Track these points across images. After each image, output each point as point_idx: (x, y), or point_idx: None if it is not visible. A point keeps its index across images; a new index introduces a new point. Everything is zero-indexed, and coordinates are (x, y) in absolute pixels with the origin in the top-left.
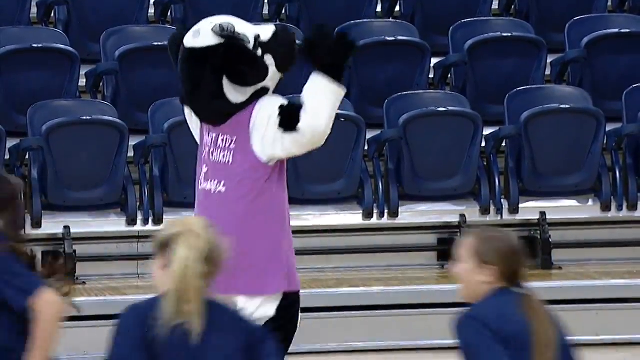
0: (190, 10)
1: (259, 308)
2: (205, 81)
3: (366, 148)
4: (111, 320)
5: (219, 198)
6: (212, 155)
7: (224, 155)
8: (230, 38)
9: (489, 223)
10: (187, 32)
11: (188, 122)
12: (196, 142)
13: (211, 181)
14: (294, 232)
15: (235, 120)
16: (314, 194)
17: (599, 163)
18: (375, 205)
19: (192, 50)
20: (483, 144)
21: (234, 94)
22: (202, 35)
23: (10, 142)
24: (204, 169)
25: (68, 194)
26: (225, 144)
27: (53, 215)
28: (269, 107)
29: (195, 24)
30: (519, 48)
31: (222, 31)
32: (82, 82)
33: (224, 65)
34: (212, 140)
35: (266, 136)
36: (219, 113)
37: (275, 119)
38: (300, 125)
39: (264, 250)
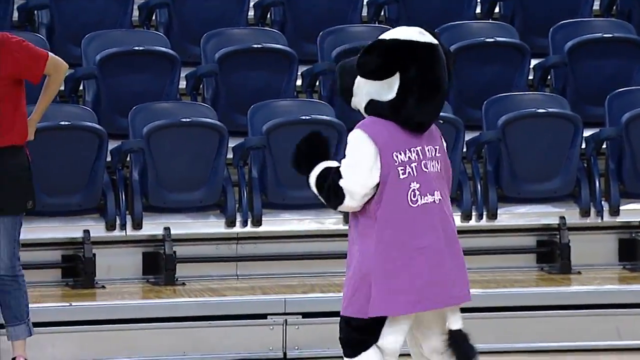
0: (289, 12)
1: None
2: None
3: (465, 150)
4: (210, 321)
5: (443, 207)
6: (426, 167)
7: (433, 165)
8: (442, 44)
9: (589, 225)
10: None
11: (373, 154)
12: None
13: (433, 193)
14: None
15: (430, 130)
16: None
17: None
18: (473, 207)
19: (441, 47)
20: (583, 146)
21: None
22: (426, 35)
23: (112, 144)
24: (415, 185)
25: (168, 195)
26: (432, 153)
27: (153, 217)
28: None
29: (294, 25)
30: (620, 49)
31: (437, 34)
32: (183, 84)
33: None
34: (417, 153)
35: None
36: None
37: None
38: None
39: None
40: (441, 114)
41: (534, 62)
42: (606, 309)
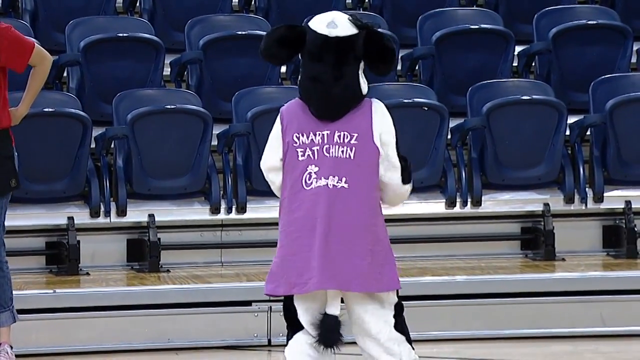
0: (274, 0)
1: (390, 303)
2: (348, 69)
3: (449, 137)
4: (195, 308)
5: (343, 193)
6: (328, 152)
7: (343, 151)
8: (368, 28)
9: (573, 212)
10: (298, 26)
11: (278, 132)
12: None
13: (327, 177)
14: None
15: (354, 116)
16: None
17: None
18: (458, 194)
19: (338, 39)
20: (567, 133)
21: (363, 85)
22: (339, 25)
23: (96, 131)
24: (313, 169)
25: (152, 182)
26: (344, 139)
27: (138, 204)
28: (389, 120)
29: (278, 12)
30: (604, 36)
31: (359, 21)
32: (167, 71)
33: (364, 55)
34: (323, 137)
35: (387, 142)
36: (347, 104)
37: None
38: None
39: (388, 245)
40: (425, 100)
41: (518, 48)
42: (590, 296)
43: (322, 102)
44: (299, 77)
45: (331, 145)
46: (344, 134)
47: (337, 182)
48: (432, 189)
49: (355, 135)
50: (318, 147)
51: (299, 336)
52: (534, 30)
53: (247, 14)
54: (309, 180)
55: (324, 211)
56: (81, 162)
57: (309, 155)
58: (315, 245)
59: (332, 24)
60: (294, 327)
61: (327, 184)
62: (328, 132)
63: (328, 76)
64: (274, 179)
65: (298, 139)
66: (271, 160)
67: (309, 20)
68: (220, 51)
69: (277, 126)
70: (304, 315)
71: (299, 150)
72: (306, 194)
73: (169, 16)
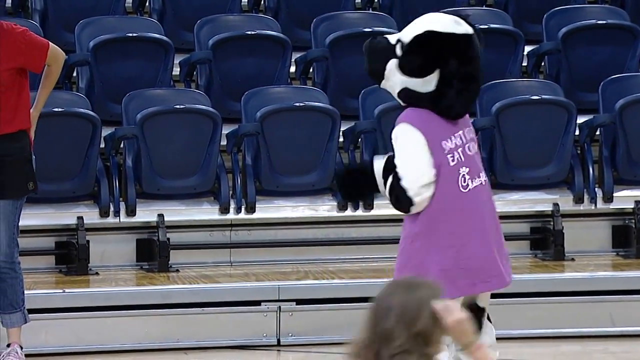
0: (284, 0)
1: None
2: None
3: None
4: (204, 308)
5: (486, 189)
6: (470, 150)
7: (473, 147)
8: (474, 29)
9: (582, 212)
10: (423, 32)
11: (422, 145)
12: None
13: (478, 175)
14: (380, 220)
15: None
16: None
17: None
18: None
19: (473, 35)
20: (577, 133)
21: None
22: (462, 23)
23: (105, 131)
24: (464, 170)
25: (162, 182)
26: (470, 135)
27: (147, 204)
28: None
29: (287, 12)
30: (613, 35)
31: (468, 20)
32: (176, 71)
33: None
34: (461, 137)
35: None
36: None
37: None
38: None
39: None
40: None
41: (527, 48)
42: (600, 296)
43: (471, 100)
44: (437, 85)
45: (469, 144)
46: (468, 130)
47: (484, 177)
48: None
49: (471, 129)
50: (461, 149)
51: None
52: (544, 30)
53: (256, 14)
54: (464, 182)
55: (486, 208)
56: (90, 162)
57: (457, 158)
58: (489, 243)
59: (458, 22)
60: None
61: (482, 182)
62: (461, 132)
63: (481, 71)
64: (427, 193)
65: (445, 145)
66: (427, 174)
67: (401, 28)
68: (230, 51)
69: (417, 140)
70: None
71: (448, 156)
72: (466, 196)
73: (179, 16)
